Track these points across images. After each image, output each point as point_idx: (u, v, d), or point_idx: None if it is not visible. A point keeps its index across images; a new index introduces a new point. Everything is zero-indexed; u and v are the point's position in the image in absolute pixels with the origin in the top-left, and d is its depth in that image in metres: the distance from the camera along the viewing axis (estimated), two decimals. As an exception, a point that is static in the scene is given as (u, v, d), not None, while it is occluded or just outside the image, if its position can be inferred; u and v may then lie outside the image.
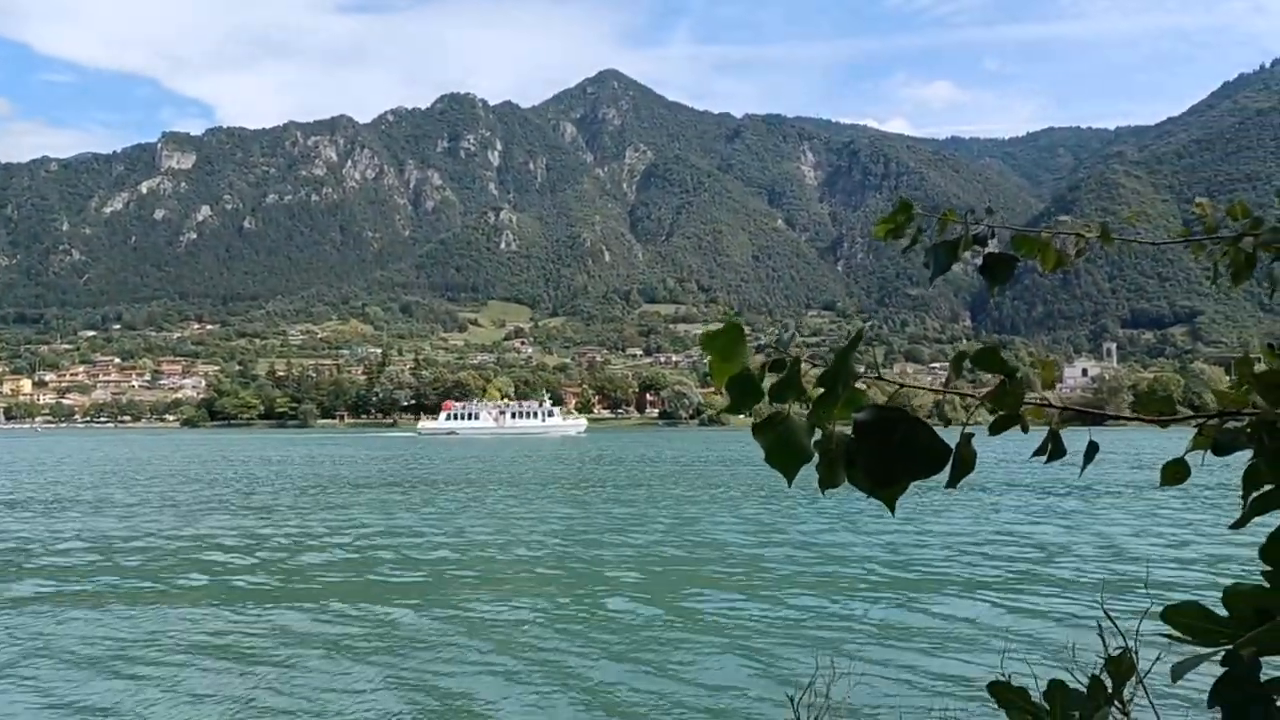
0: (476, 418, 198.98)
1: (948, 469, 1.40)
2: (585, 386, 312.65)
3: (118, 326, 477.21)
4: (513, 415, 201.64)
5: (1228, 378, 1.75)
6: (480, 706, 12.61)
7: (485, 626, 17.04)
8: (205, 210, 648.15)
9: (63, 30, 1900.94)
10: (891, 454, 1.27)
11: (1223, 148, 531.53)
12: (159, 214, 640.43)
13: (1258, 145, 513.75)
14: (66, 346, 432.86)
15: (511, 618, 17.69)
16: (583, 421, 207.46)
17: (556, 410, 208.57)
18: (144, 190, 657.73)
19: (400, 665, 14.57)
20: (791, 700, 4.47)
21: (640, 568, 23.67)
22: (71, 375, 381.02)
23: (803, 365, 1.35)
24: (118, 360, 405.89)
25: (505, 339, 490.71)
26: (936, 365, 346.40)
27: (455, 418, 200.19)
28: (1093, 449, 1.70)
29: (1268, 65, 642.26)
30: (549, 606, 18.71)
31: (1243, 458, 1.53)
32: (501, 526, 32.96)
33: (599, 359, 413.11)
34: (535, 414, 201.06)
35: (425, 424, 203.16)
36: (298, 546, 28.00)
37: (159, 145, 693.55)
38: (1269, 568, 1.16)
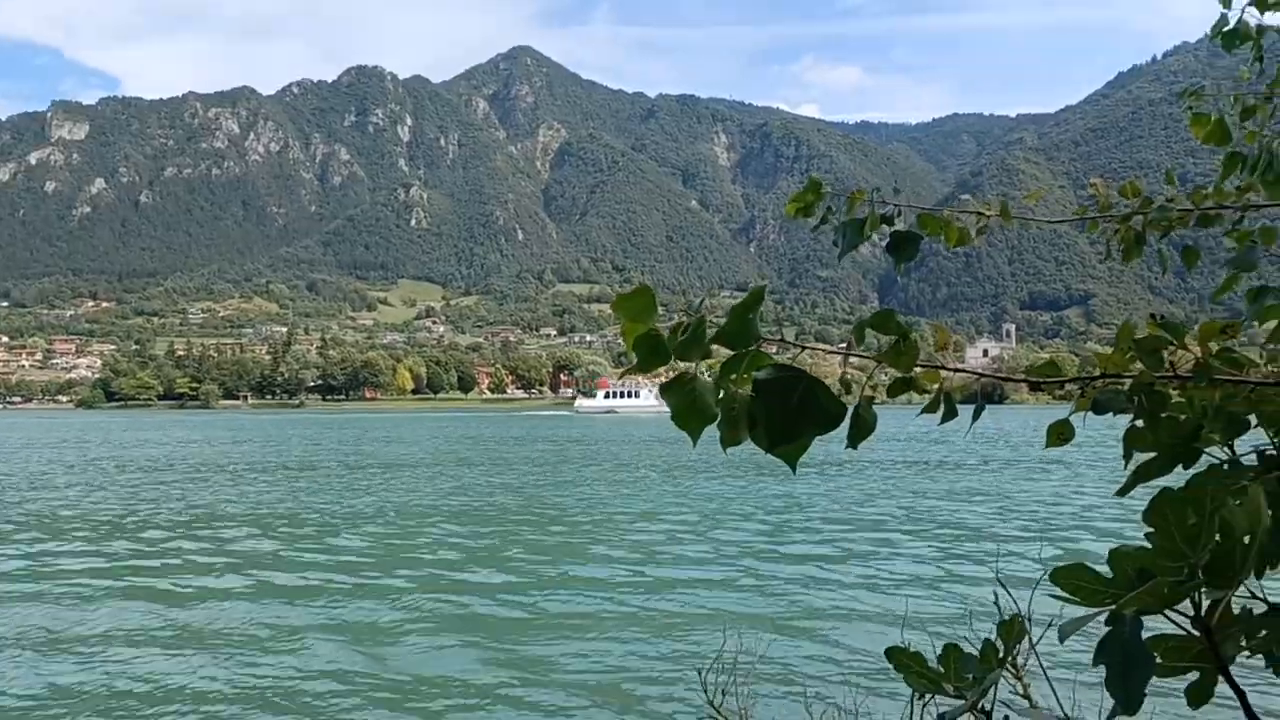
0: (636, 395, 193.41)
1: (846, 431, 1.43)
2: (498, 367, 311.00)
3: (5, 304, 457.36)
4: None
5: None
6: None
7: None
8: (99, 183, 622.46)
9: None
10: (790, 412, 1.30)
11: (1116, 136, 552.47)
12: (50, 186, 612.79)
13: (1149, 134, 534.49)
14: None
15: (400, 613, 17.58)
16: None
17: None
18: (33, 161, 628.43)
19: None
20: (699, 672, 4.53)
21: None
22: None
23: (707, 326, 1.34)
24: (6, 339, 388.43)
25: (416, 318, 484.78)
26: (845, 345, 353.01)
27: (614, 395, 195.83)
28: (980, 407, 1.76)
29: (1159, 57, 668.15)
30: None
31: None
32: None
33: (513, 339, 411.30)
34: None
35: (583, 402, 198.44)
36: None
37: (48, 114, 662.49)
38: (1150, 529, 1.20)
